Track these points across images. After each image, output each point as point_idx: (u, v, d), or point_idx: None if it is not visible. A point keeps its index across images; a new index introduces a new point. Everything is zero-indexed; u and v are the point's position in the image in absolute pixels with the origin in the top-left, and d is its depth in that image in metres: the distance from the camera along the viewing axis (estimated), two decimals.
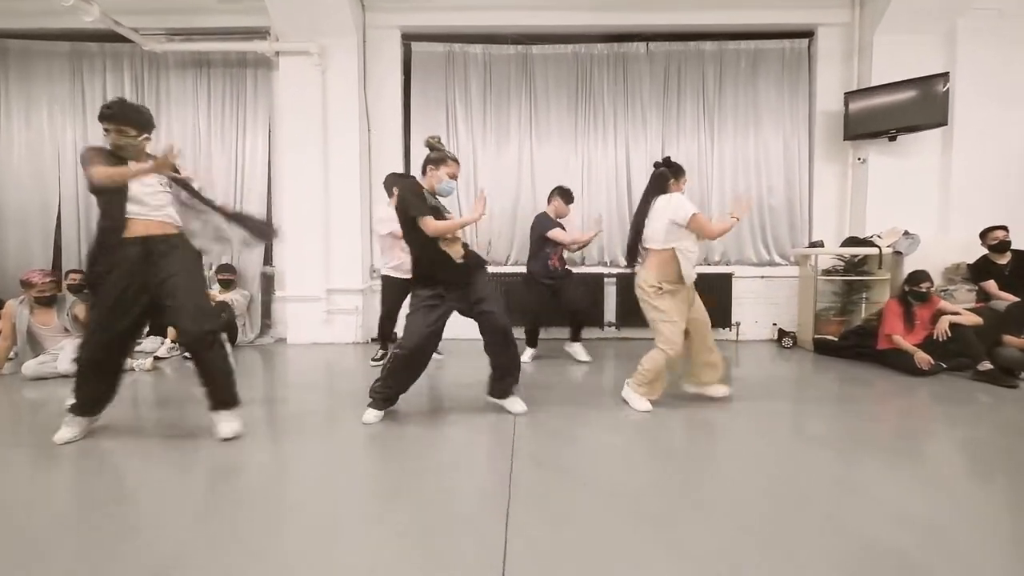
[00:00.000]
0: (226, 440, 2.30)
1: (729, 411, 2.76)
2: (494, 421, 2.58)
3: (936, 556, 1.43)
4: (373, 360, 3.95)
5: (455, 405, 2.88)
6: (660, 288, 2.65)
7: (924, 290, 3.61)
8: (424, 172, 2.56)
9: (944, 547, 1.48)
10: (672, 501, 1.77)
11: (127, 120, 2.26)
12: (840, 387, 3.35)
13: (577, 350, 4.07)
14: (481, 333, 2.59)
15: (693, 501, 1.77)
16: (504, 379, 2.65)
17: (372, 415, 2.53)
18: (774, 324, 5.03)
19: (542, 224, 3.82)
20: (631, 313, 4.26)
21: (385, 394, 2.54)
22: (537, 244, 3.83)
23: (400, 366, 2.49)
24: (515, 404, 2.67)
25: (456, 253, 2.51)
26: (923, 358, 3.42)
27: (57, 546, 1.50)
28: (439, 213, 2.49)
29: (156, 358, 3.95)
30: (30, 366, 3.38)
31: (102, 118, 2.25)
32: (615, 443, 2.34)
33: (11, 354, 3.62)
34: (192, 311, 2.23)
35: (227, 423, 2.34)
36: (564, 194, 3.89)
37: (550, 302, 3.89)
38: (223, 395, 2.35)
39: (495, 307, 2.54)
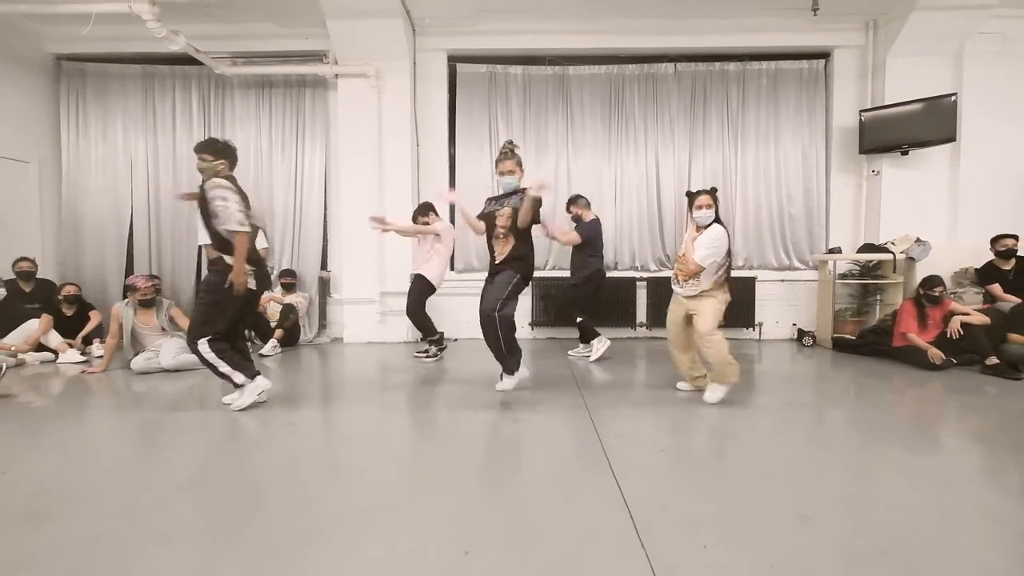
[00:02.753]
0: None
1: (758, 408, 3.02)
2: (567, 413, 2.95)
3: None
4: (417, 354, 4.42)
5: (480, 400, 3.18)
6: None
7: (938, 294, 3.98)
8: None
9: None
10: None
11: (205, 148, 2.81)
12: (862, 381, 3.72)
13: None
14: None
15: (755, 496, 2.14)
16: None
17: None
18: (794, 324, 5.41)
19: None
20: (661, 315, 4.60)
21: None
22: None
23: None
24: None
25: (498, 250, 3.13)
26: (936, 354, 3.80)
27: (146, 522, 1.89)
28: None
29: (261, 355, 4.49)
30: (138, 362, 3.77)
31: (196, 150, 2.84)
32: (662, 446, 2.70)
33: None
34: None
35: None
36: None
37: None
38: None
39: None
